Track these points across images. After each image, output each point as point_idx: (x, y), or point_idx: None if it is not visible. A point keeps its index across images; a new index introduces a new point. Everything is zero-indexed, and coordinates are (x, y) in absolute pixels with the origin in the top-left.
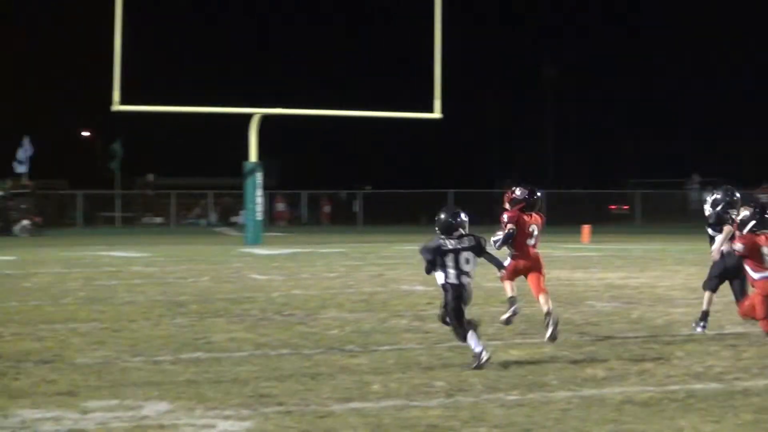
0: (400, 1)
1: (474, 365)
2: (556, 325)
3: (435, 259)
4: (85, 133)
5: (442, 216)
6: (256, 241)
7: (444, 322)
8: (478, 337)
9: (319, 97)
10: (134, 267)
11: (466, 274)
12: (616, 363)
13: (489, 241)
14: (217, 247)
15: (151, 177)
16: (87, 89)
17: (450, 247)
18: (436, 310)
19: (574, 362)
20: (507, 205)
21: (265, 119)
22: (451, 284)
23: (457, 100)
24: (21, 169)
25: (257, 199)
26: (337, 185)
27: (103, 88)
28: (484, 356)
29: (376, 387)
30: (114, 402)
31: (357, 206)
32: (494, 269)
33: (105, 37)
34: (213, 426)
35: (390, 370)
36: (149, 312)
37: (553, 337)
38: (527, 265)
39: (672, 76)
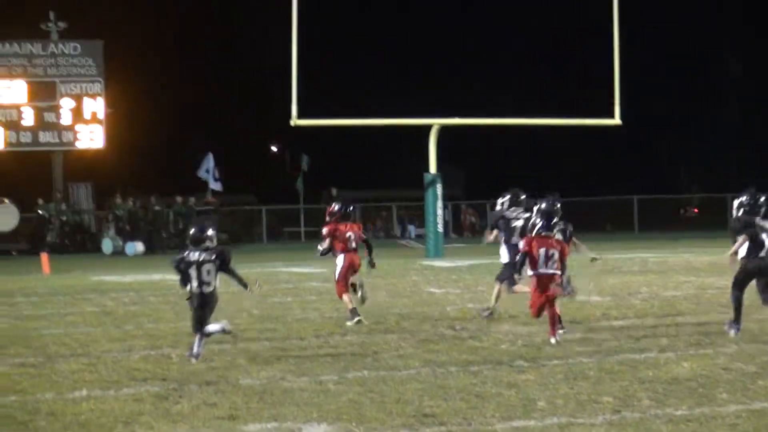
0: (576, 7)
1: (189, 355)
2: (362, 287)
3: (180, 268)
4: (274, 148)
5: (192, 230)
6: (437, 254)
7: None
8: (201, 343)
9: (498, 106)
10: (311, 282)
11: (207, 284)
12: None
13: (317, 249)
14: (398, 261)
15: (333, 191)
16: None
17: (193, 259)
18: (610, 322)
19: (747, 374)
20: (327, 218)
21: (448, 129)
22: (194, 293)
23: (637, 103)
24: (216, 186)
25: (438, 210)
26: None
27: (287, 102)
28: (193, 359)
29: (541, 404)
30: (272, 425)
31: None
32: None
33: (287, 51)
34: None
35: (557, 385)
36: (320, 329)
37: (363, 299)
38: (352, 265)
39: None
